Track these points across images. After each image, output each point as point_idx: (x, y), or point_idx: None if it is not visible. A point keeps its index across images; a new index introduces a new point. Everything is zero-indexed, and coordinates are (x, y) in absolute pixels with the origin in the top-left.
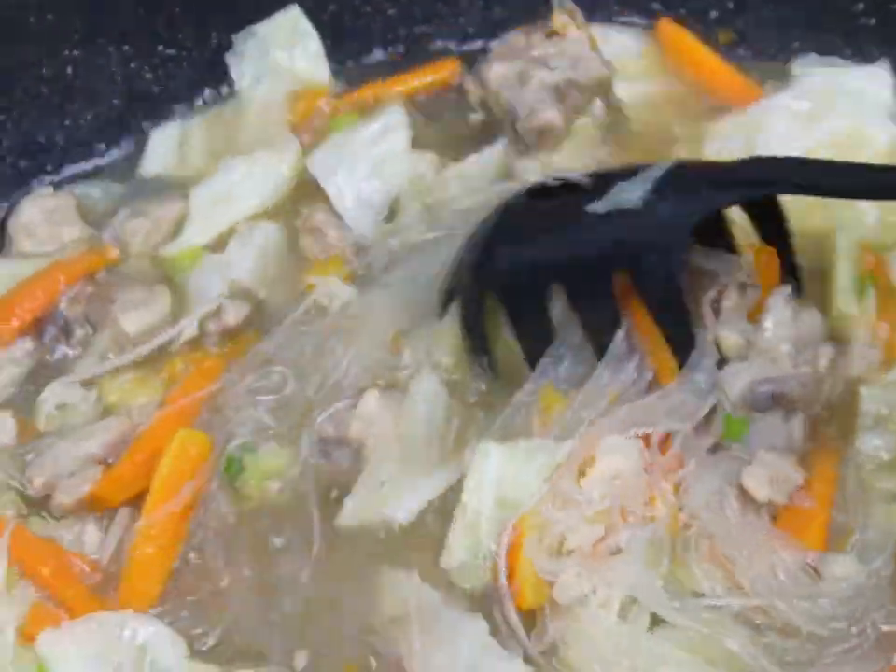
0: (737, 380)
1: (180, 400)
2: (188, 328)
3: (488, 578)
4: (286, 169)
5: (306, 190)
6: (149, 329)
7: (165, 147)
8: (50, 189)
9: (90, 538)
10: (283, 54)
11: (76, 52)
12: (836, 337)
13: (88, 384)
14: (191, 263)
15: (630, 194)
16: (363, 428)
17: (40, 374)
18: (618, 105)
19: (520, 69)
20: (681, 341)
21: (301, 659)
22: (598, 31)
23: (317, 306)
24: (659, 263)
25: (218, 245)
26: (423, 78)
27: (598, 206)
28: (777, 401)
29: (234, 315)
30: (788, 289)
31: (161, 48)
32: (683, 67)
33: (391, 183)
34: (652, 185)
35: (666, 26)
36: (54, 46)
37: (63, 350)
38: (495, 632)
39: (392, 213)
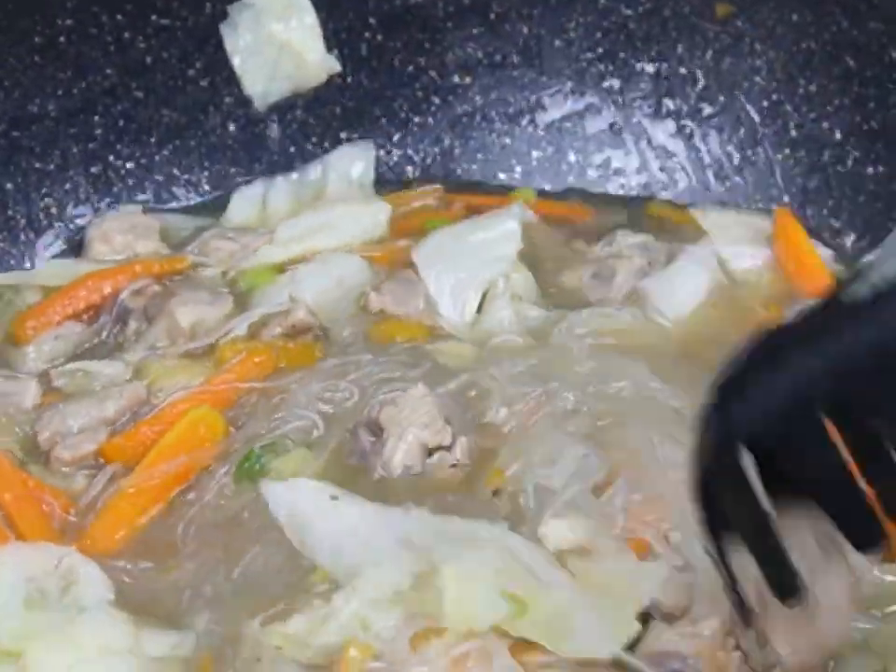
0: (654, 639)
1: (218, 384)
2: (242, 324)
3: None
4: (384, 217)
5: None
6: (203, 326)
7: (249, 202)
8: (139, 209)
9: (76, 484)
10: (278, 26)
11: (68, 21)
12: None
13: (129, 364)
14: (264, 280)
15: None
16: (392, 415)
17: (84, 357)
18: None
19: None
20: None
21: (200, 621)
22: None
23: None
24: None
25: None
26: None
27: (861, 289)
28: None
29: (304, 313)
30: None
31: (154, 17)
32: (786, 257)
33: (488, 282)
34: None
35: (783, 217)
36: (47, 14)
37: (112, 338)
38: None
39: (480, 306)
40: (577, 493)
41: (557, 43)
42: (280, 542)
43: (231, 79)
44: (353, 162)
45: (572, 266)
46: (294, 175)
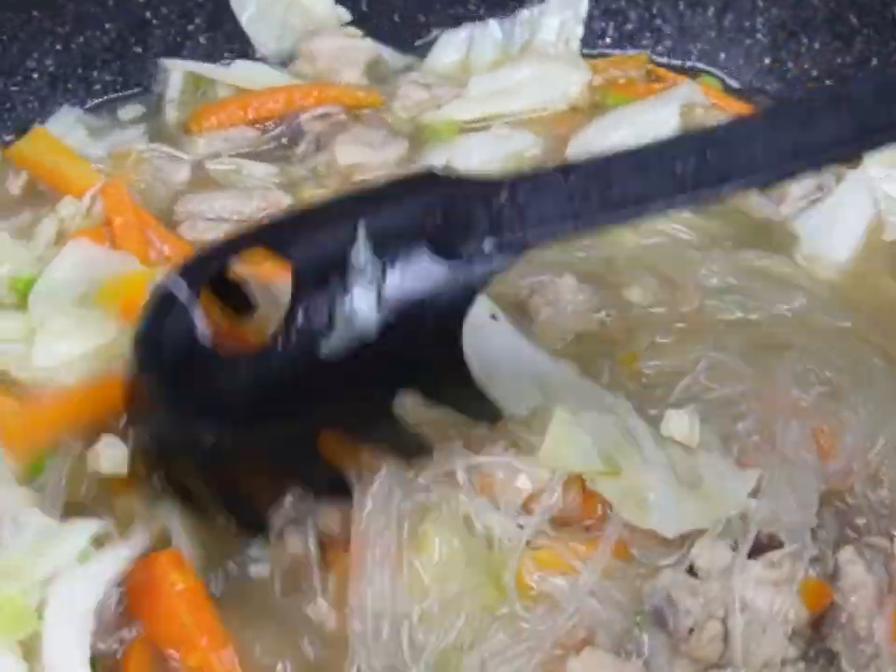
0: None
1: None
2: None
3: None
4: (574, 89)
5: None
6: (362, 168)
7: (453, 48)
8: (359, 33)
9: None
10: None
11: None
12: None
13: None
14: (444, 136)
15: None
16: (541, 307)
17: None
18: None
19: None
20: None
21: None
22: None
23: None
24: None
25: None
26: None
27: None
28: None
29: None
30: None
31: None
32: None
33: None
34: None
35: None
36: None
37: (280, 151)
38: None
39: None
40: (709, 402)
41: None
42: None
43: (233, 34)
44: (562, 13)
45: None
46: (503, 22)
